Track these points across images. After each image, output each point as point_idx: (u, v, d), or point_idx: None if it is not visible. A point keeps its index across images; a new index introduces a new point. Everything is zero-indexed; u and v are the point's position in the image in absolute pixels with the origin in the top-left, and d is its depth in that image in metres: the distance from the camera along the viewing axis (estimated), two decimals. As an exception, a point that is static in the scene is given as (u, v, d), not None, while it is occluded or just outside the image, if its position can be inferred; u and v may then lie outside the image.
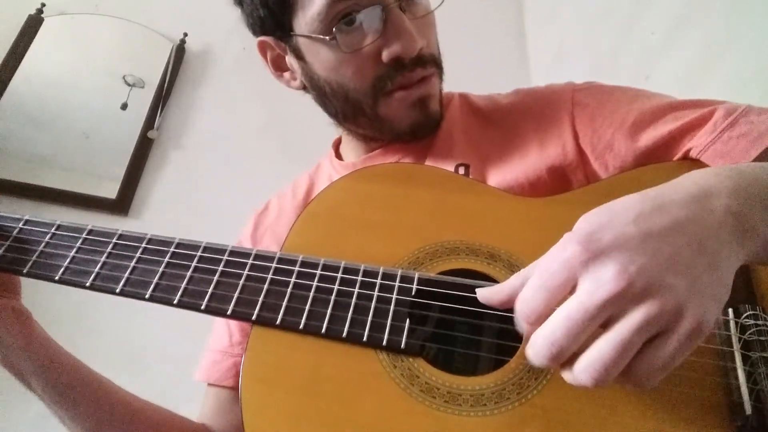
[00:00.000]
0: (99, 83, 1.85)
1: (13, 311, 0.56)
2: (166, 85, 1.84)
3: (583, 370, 0.34)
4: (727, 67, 1.06)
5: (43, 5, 1.79)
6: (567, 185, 0.61)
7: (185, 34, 1.93)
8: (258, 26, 0.68)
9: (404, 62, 0.61)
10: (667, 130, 0.58)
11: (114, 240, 0.54)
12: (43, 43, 1.76)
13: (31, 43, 1.74)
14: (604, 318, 0.33)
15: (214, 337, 0.75)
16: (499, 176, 0.63)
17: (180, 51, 1.91)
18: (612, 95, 0.64)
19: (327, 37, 0.60)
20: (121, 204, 1.64)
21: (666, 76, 1.27)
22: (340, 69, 0.63)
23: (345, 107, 0.67)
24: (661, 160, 0.58)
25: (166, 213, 1.66)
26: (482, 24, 2.12)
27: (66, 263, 0.53)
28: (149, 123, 1.77)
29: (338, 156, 0.79)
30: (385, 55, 0.61)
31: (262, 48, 0.71)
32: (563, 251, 0.35)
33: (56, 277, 0.52)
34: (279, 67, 0.72)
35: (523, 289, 0.37)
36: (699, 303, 0.33)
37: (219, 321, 0.76)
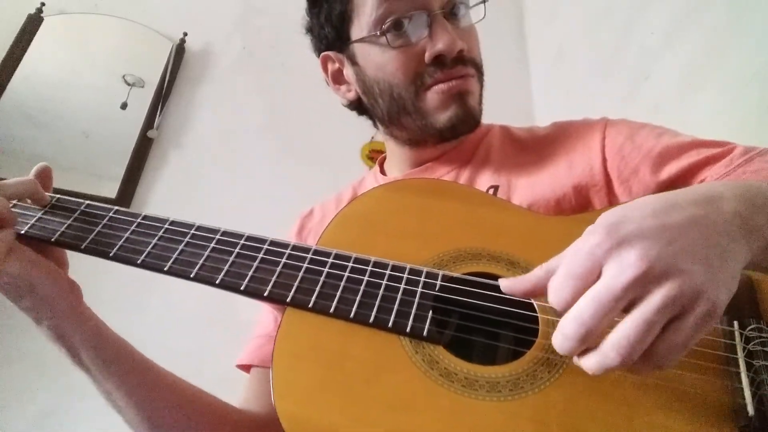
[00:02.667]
0: (99, 83, 1.85)
1: (68, 282, 0.60)
2: (165, 84, 1.84)
3: (612, 347, 0.36)
4: (727, 67, 1.06)
5: (43, 5, 1.79)
6: (590, 205, 0.66)
7: (185, 34, 1.94)
8: (324, 43, 0.77)
9: (445, 61, 0.68)
10: (689, 162, 0.62)
11: (166, 225, 0.60)
12: (43, 42, 1.76)
13: (31, 42, 1.74)
14: (628, 300, 0.36)
15: (259, 325, 0.80)
16: (528, 191, 0.67)
17: (180, 51, 1.92)
18: (642, 129, 0.69)
19: (377, 33, 0.68)
20: (121, 203, 1.64)
21: (666, 76, 1.27)
22: (387, 66, 0.70)
23: (390, 105, 0.73)
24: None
25: (165, 212, 1.65)
26: (482, 24, 2.12)
27: (121, 242, 0.58)
28: (149, 122, 1.78)
29: (383, 172, 0.85)
30: (428, 55, 0.68)
31: (324, 63, 0.79)
32: (587, 241, 0.38)
33: (111, 254, 0.58)
34: (337, 80, 0.79)
35: (552, 279, 0.40)
36: (713, 288, 0.36)
37: (264, 310, 0.81)
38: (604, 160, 0.67)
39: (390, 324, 0.49)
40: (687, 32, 1.20)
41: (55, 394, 1.35)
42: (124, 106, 1.78)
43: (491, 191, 0.69)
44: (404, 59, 0.68)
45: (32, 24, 1.76)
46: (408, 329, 0.49)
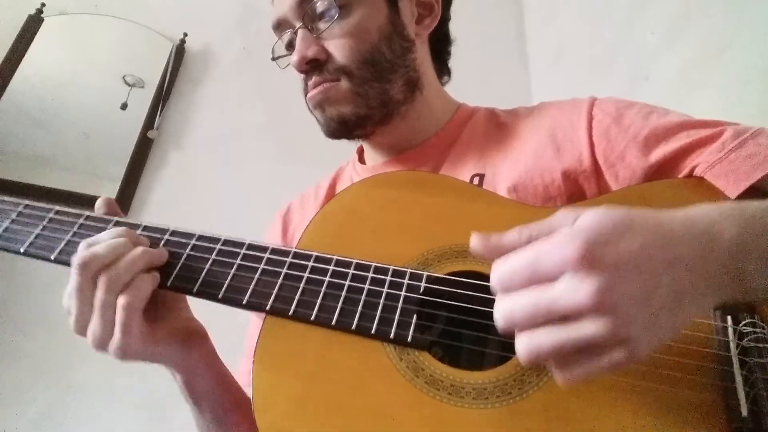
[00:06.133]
0: (99, 83, 1.85)
1: (188, 341, 0.61)
2: (166, 85, 1.83)
3: (524, 344, 0.37)
4: (727, 67, 1.06)
5: (43, 5, 1.79)
6: (580, 192, 0.63)
7: (185, 34, 1.93)
8: None
9: (302, 72, 0.70)
10: (678, 145, 0.60)
11: (139, 231, 0.57)
12: (43, 43, 1.76)
13: (31, 43, 1.74)
14: (564, 317, 0.35)
15: (250, 344, 0.77)
16: (515, 175, 0.65)
17: (180, 51, 1.91)
18: (629, 110, 0.66)
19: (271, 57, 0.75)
20: (121, 204, 1.63)
21: (665, 76, 1.27)
22: None
23: None
24: (668, 175, 0.59)
25: (165, 213, 1.66)
26: (482, 24, 2.11)
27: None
28: (149, 123, 1.77)
29: (362, 160, 0.83)
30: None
31: None
32: (566, 247, 0.36)
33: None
34: None
35: (514, 256, 0.38)
36: (644, 342, 0.35)
37: (254, 327, 0.78)
38: (592, 145, 0.64)
39: (373, 331, 0.48)
40: (687, 32, 1.20)
41: (55, 394, 1.35)
42: (124, 106, 1.78)
43: (476, 180, 0.67)
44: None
45: (32, 24, 1.76)
46: (391, 336, 0.47)
